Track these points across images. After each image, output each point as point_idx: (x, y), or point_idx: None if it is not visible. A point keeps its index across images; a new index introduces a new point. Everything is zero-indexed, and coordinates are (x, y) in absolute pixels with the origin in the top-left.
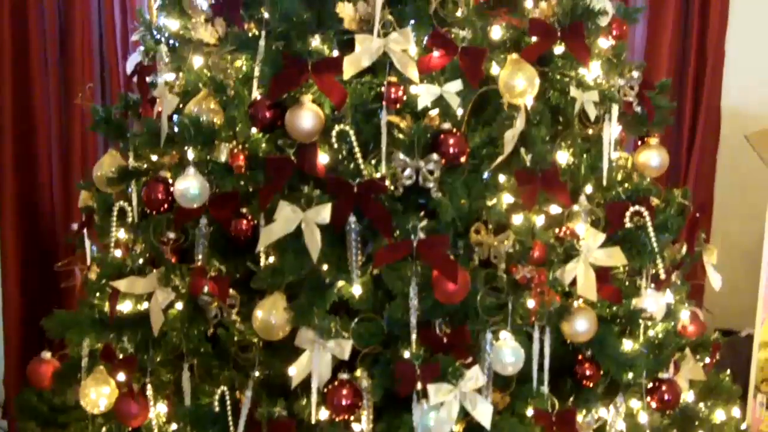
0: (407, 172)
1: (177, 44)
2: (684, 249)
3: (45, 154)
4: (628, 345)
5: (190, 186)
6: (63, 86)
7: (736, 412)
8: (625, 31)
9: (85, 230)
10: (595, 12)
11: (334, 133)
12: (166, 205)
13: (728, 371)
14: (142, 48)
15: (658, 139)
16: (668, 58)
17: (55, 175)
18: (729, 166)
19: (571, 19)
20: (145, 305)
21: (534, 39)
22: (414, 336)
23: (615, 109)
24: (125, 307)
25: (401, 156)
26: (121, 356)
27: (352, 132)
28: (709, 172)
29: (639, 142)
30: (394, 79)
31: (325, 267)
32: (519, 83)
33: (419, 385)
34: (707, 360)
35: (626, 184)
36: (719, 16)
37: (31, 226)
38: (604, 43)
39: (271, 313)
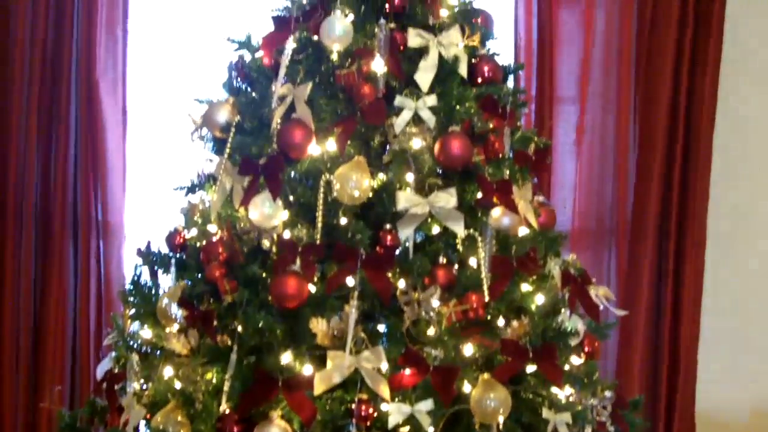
0: None
1: (149, 351)
2: None
3: None
4: None
5: None
6: (31, 389)
7: None
8: (596, 347)
9: None
10: (567, 333)
11: None
12: None
13: None
14: (113, 354)
15: None
16: (639, 372)
17: None
18: None
19: (543, 339)
20: None
21: (506, 358)
22: None
23: (588, 430)
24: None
25: None
26: None
27: None
28: None
29: None
30: (365, 396)
31: None
32: (491, 404)
33: None
34: None
35: None
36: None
37: None
38: (576, 360)
39: None
